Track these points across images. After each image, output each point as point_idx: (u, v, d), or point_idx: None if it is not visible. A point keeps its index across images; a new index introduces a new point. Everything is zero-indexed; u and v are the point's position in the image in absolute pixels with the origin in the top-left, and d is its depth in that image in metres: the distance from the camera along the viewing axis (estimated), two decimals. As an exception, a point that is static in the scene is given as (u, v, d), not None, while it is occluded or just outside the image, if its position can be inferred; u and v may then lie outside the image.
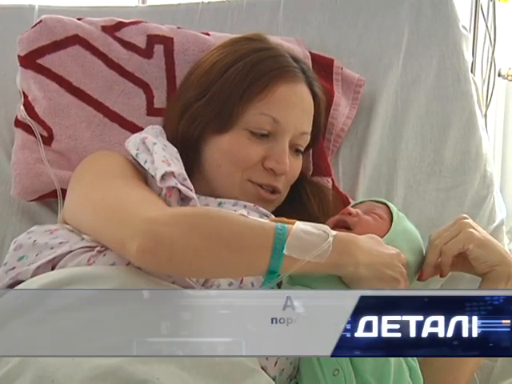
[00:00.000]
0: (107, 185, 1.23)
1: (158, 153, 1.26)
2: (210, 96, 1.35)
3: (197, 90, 1.38)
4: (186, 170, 1.37)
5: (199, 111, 1.36)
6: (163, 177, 1.21)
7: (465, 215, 1.33)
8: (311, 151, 1.56)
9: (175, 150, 1.33)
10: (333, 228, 1.26)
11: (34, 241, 1.21)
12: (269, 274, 1.04)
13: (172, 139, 1.39)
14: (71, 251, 1.16)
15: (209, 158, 1.37)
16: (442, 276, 1.32)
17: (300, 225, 1.07)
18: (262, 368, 1.07)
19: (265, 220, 1.09)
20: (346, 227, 1.29)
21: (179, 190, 1.21)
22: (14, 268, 1.18)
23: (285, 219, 1.13)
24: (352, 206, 1.39)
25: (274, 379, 1.09)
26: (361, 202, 1.40)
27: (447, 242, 1.28)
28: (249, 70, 1.34)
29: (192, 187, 1.25)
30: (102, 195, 1.20)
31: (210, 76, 1.37)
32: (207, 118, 1.35)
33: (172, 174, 1.22)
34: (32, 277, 1.15)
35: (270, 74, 1.34)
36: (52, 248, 1.18)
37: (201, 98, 1.37)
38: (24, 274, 1.16)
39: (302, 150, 1.42)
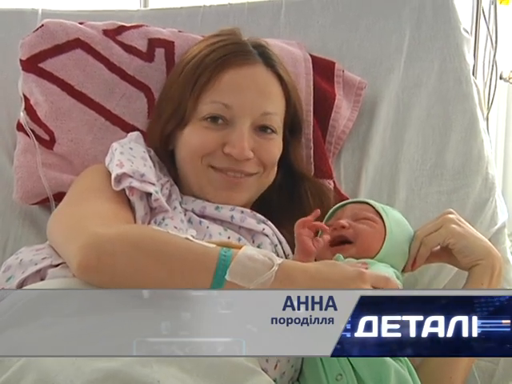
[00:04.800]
0: (77, 202, 1.26)
1: (115, 157, 1.29)
2: (171, 95, 1.40)
3: (164, 91, 1.45)
4: (172, 174, 1.42)
5: (162, 111, 1.41)
6: (119, 180, 1.24)
7: (450, 210, 1.35)
8: (312, 153, 1.57)
9: (142, 149, 1.36)
10: (332, 245, 1.27)
11: (21, 260, 1.22)
12: None
13: (154, 142, 1.44)
14: (53, 265, 1.17)
15: (178, 155, 1.40)
16: (412, 268, 1.33)
17: (246, 250, 1.05)
18: (263, 370, 1.06)
19: (211, 245, 1.08)
20: (346, 242, 1.29)
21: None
22: (2, 289, 1.19)
23: (232, 243, 1.13)
24: (333, 212, 1.39)
25: (274, 381, 1.08)
26: (341, 207, 1.39)
27: (428, 235, 1.31)
28: (199, 63, 1.37)
29: (153, 180, 1.28)
30: (68, 212, 1.23)
31: (173, 76, 1.43)
32: (167, 116, 1.39)
33: (125, 174, 1.24)
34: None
35: (216, 62, 1.35)
36: (36, 264, 1.19)
37: (165, 98, 1.42)
38: None
39: (274, 131, 1.39)
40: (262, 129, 1.37)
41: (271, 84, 1.39)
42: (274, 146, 1.40)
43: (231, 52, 1.37)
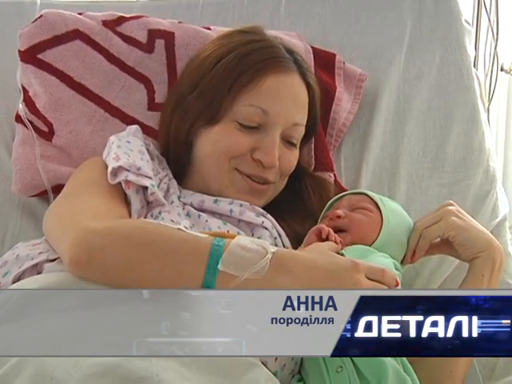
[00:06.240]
0: (72, 196, 1.25)
1: (112, 150, 1.29)
2: (201, 89, 1.36)
3: (189, 83, 1.39)
4: (180, 166, 1.41)
5: (190, 104, 1.37)
6: (115, 173, 1.24)
7: (450, 201, 1.34)
8: (313, 146, 1.56)
9: (139, 143, 1.35)
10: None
11: (17, 255, 1.22)
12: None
13: (166, 134, 1.43)
14: (50, 260, 1.17)
15: (199, 150, 1.37)
16: (412, 260, 1.33)
17: (239, 240, 1.05)
18: (263, 363, 1.06)
19: (204, 235, 1.08)
20: (341, 231, 1.28)
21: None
22: None
23: (225, 233, 1.13)
24: (331, 204, 1.39)
25: (274, 374, 1.08)
26: (339, 199, 1.39)
27: (428, 227, 1.30)
28: (238, 61, 1.33)
29: (150, 174, 1.27)
30: (63, 207, 1.23)
31: (201, 69, 1.38)
32: (197, 111, 1.35)
33: (121, 167, 1.24)
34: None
35: (258, 65, 1.33)
36: (32, 259, 1.19)
37: (192, 91, 1.37)
38: (4, 286, 1.17)
39: (297, 142, 1.40)
40: (288, 140, 1.37)
41: (303, 94, 1.39)
42: (295, 157, 1.41)
43: (272, 57, 1.35)
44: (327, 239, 1.24)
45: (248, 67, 1.33)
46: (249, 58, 1.34)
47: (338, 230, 1.28)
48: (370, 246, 1.27)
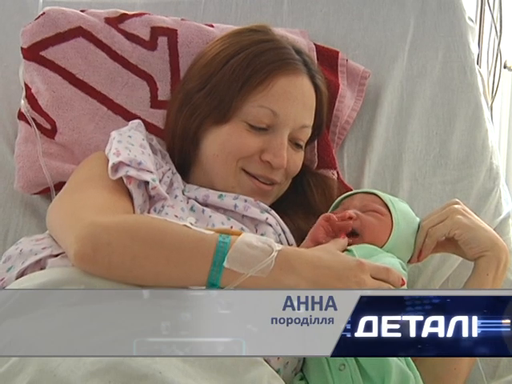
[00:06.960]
0: (76, 190, 1.25)
1: (113, 146, 1.28)
2: (210, 87, 1.35)
3: (198, 81, 1.39)
4: (185, 162, 1.41)
5: (199, 102, 1.36)
6: (116, 169, 1.24)
7: (456, 200, 1.34)
8: (316, 144, 1.56)
9: (141, 137, 1.34)
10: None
11: (21, 250, 1.22)
12: (209, 286, 1.03)
13: (172, 131, 1.42)
14: (53, 255, 1.17)
15: (207, 149, 1.37)
16: (418, 259, 1.33)
17: (245, 237, 1.05)
18: (266, 361, 1.06)
19: (210, 232, 1.08)
20: (352, 232, 1.27)
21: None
22: (3, 279, 1.19)
23: (231, 230, 1.12)
24: (341, 201, 1.39)
25: (277, 372, 1.09)
26: (348, 196, 1.38)
27: (434, 226, 1.30)
28: (249, 61, 1.33)
29: (151, 169, 1.26)
30: (66, 201, 1.23)
31: (210, 67, 1.37)
32: (207, 109, 1.35)
33: (122, 163, 1.24)
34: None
35: (270, 66, 1.33)
36: (36, 254, 1.19)
37: (201, 89, 1.37)
38: (8, 281, 1.17)
39: (303, 144, 1.41)
40: (295, 142, 1.38)
41: (312, 97, 1.39)
42: (300, 159, 1.42)
43: (283, 58, 1.35)
44: (334, 230, 1.24)
45: (260, 67, 1.33)
46: (260, 58, 1.34)
47: (349, 232, 1.28)
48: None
